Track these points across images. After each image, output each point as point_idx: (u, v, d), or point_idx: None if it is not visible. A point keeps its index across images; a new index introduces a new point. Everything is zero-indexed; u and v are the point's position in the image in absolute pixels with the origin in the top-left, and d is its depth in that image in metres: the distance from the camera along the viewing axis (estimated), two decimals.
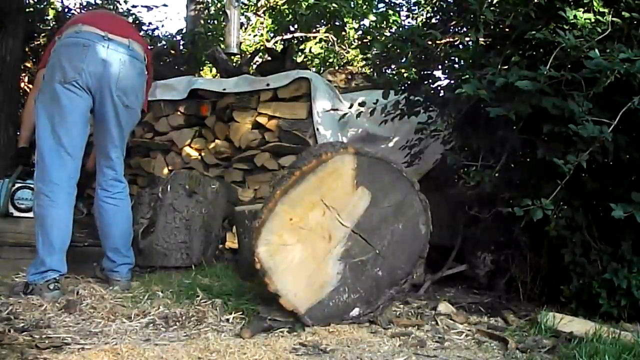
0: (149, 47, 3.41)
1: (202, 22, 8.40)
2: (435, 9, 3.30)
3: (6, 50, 5.02)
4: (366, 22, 8.43)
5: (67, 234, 2.47)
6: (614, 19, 2.24)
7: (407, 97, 2.97)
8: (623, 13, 2.25)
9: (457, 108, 2.71)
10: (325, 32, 8.18)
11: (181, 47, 7.03)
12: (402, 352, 1.86)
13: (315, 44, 8.06)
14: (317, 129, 3.62)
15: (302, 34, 8.07)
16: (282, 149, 3.71)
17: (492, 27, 2.67)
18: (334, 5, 7.72)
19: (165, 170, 4.18)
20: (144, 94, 2.75)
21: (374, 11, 8.15)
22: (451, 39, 2.91)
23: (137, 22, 7.10)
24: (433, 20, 3.28)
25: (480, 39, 2.64)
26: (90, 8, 6.81)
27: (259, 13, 9.20)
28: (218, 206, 3.36)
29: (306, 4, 8.16)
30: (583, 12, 2.24)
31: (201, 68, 7.42)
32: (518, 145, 2.61)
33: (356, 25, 8.50)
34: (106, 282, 2.66)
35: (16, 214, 3.04)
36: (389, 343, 1.95)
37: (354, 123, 3.71)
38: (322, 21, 8.35)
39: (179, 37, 7.27)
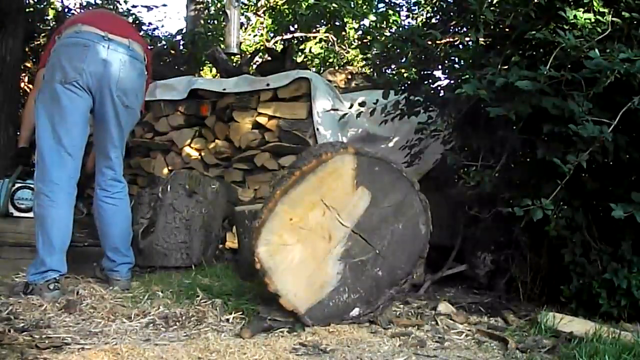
0: (149, 47, 3.41)
1: (202, 22, 8.40)
2: (435, 9, 3.30)
3: (6, 50, 5.03)
4: (366, 22, 8.44)
5: (67, 234, 2.47)
6: (614, 19, 2.24)
7: (407, 97, 2.97)
8: (623, 13, 2.25)
9: (457, 108, 2.71)
10: (325, 32, 8.18)
11: (181, 47, 7.03)
12: (402, 352, 1.86)
13: (315, 44, 8.06)
14: (317, 129, 3.62)
15: (302, 34, 8.08)
16: (282, 149, 3.71)
17: (492, 27, 2.67)
18: (334, 5, 7.73)
19: (165, 170, 4.18)
20: (143, 94, 2.75)
21: (374, 11, 8.16)
22: (451, 39, 2.92)
23: (137, 22, 7.10)
24: (433, 20, 3.28)
25: (480, 39, 2.64)
26: (90, 8, 6.80)
27: (259, 13, 9.21)
28: (218, 206, 3.36)
29: (306, 4, 8.16)
30: (583, 12, 2.24)
31: (201, 68, 7.42)
32: (518, 145, 2.61)
33: (356, 25, 8.51)
34: (106, 282, 2.66)
35: (16, 214, 3.03)
36: (389, 343, 1.95)
37: (354, 123, 3.71)
38: (322, 21, 8.36)
39: (179, 37, 7.27)
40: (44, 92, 2.47)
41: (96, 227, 2.74)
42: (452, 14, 3.03)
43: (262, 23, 9.35)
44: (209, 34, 7.51)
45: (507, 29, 2.62)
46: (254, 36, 9.60)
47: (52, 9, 7.05)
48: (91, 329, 2.01)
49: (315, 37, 8.09)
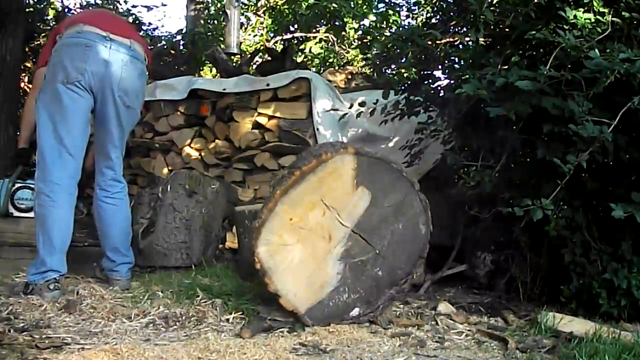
0: (149, 48, 3.41)
1: (202, 22, 8.40)
2: (435, 9, 3.31)
3: (6, 50, 5.03)
4: (366, 22, 8.43)
5: (68, 234, 2.47)
6: (614, 19, 2.24)
7: (407, 97, 2.96)
8: (623, 13, 2.25)
9: (457, 108, 2.71)
10: (325, 32, 8.18)
11: (181, 47, 7.03)
12: (402, 352, 1.86)
13: (315, 44, 8.06)
14: (317, 129, 3.62)
15: (302, 34, 8.07)
16: (282, 149, 3.71)
17: (492, 27, 2.67)
18: (334, 5, 7.72)
19: (165, 170, 4.18)
20: (144, 94, 2.76)
21: (374, 11, 8.15)
22: (451, 39, 2.92)
23: (137, 22, 7.09)
24: (433, 20, 3.29)
25: (480, 39, 2.64)
26: (90, 8, 6.80)
27: (259, 13, 9.21)
28: (218, 206, 3.36)
29: (306, 4, 8.16)
30: (583, 12, 2.24)
31: (201, 68, 7.42)
32: (518, 145, 2.61)
33: (356, 25, 8.50)
34: (106, 282, 2.66)
35: (16, 214, 3.03)
36: (389, 343, 1.95)
37: (354, 123, 3.71)
38: (322, 21, 8.35)
39: (179, 37, 7.27)
40: (45, 92, 2.47)
41: (96, 227, 2.74)
42: (452, 14, 3.03)
43: (262, 23, 9.35)
44: (209, 34, 7.50)
45: (507, 29, 2.62)
46: (254, 36, 9.60)
47: (52, 9, 7.06)
48: (91, 329, 2.01)
49: (315, 37, 8.09)
